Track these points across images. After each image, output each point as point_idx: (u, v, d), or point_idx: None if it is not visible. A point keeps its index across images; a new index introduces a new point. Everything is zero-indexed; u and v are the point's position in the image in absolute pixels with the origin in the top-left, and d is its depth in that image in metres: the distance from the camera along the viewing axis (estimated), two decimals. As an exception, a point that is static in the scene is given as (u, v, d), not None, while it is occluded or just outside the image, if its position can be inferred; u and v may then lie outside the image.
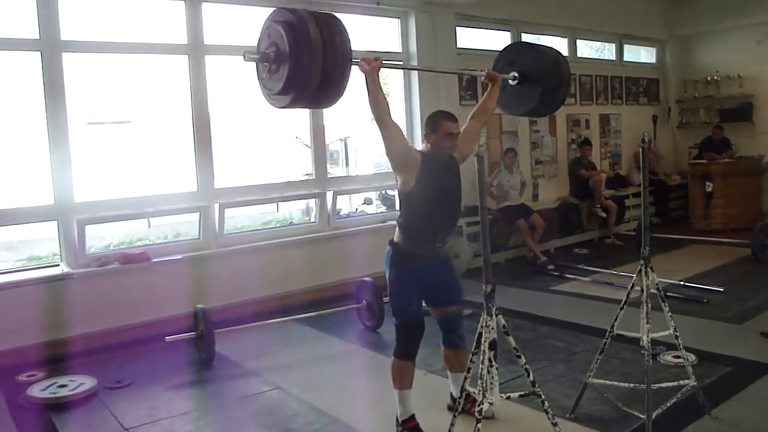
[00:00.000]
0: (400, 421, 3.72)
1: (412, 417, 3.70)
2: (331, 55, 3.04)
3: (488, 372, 2.80)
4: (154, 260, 5.97)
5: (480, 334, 2.82)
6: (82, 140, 6.02)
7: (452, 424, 3.05)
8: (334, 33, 3.09)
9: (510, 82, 4.17)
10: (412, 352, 3.69)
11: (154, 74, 6.70)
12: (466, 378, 2.96)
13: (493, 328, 2.79)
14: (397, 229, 3.70)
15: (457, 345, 3.82)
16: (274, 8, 3.22)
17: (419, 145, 6.34)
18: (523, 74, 4.17)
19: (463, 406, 3.25)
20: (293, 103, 3.19)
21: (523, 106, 4.30)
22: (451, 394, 3.96)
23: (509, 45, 4.95)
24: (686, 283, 6.59)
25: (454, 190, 3.70)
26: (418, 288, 3.66)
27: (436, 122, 3.61)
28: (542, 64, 4.15)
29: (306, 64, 3.00)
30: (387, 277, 3.73)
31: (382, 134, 3.46)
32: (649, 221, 3.81)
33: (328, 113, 6.95)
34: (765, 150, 10.41)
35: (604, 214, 9.39)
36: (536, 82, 4.13)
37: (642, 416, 3.35)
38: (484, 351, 2.79)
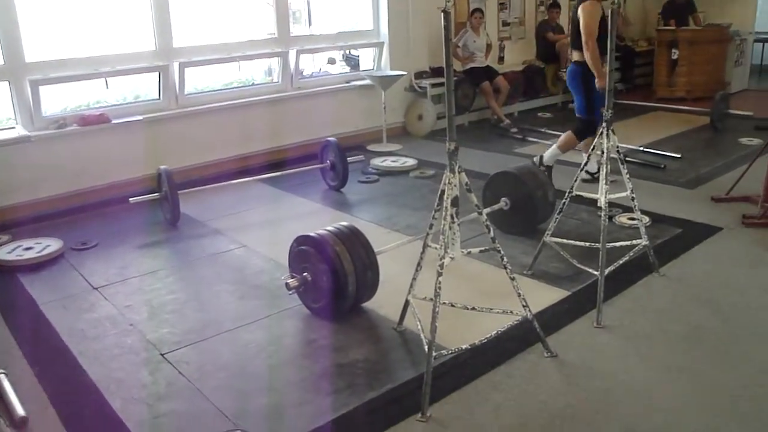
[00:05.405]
0: (541, 162, 5.62)
1: (551, 166, 5.60)
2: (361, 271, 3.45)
3: (450, 228, 2.86)
4: (114, 122, 5.85)
5: (443, 191, 2.85)
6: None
7: (414, 279, 3.16)
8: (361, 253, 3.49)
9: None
10: (585, 135, 5.47)
11: None
12: (428, 234, 3.05)
13: (455, 186, 2.82)
14: (577, 53, 5.29)
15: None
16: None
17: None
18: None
19: None
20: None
21: None
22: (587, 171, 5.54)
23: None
24: (645, 149, 6.73)
25: None
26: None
27: None
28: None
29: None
30: (578, 87, 5.36)
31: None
32: (614, 86, 3.81)
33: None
34: (734, 18, 10.29)
35: (569, 79, 9.34)
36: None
37: (595, 273, 3.50)
38: (446, 207, 2.83)
